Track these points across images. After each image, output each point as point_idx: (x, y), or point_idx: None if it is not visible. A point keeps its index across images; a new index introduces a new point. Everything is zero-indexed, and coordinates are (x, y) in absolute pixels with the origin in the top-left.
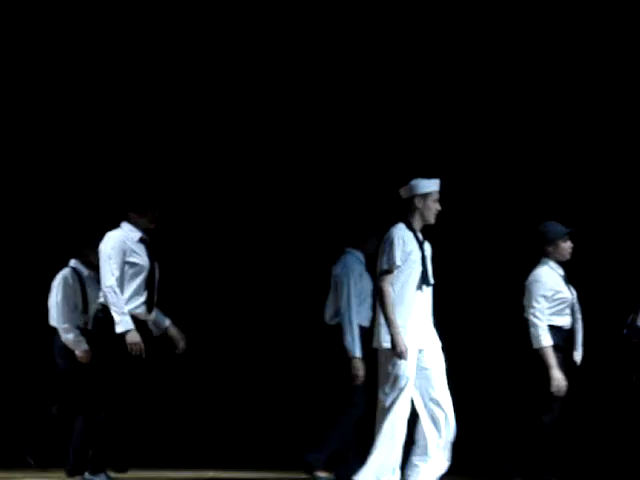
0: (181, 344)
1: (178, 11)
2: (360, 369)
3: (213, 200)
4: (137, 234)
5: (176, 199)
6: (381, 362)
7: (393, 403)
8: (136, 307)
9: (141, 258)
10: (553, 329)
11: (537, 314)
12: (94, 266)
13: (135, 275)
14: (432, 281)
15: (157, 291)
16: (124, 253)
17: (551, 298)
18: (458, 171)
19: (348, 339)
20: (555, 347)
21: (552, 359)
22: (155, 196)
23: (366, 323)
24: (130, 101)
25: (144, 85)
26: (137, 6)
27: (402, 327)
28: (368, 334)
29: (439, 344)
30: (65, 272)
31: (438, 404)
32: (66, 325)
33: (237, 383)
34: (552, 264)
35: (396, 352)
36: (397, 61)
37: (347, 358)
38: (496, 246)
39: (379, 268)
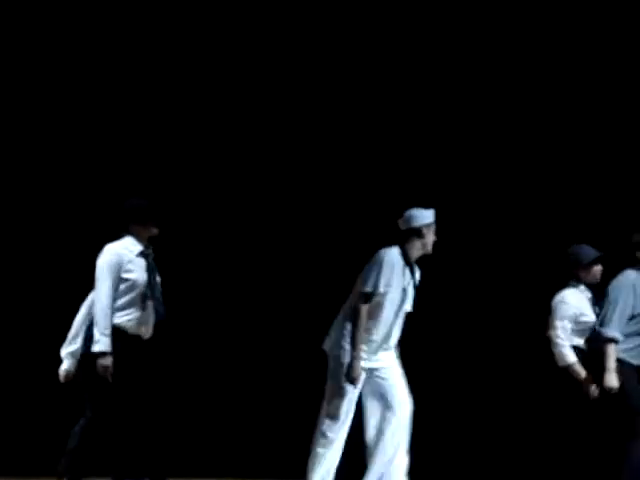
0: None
1: (179, 11)
2: None
3: (212, 203)
4: (137, 247)
5: (176, 204)
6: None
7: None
8: (129, 320)
9: (138, 273)
10: (574, 349)
11: (559, 333)
12: None
13: (130, 289)
14: (410, 309)
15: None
16: (120, 267)
17: (576, 320)
18: (486, 190)
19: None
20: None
21: (581, 371)
22: (156, 205)
23: None
24: (129, 110)
25: (146, 90)
26: (137, 6)
27: (363, 352)
28: None
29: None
30: None
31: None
32: None
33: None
34: (581, 287)
35: (350, 376)
36: (392, 74)
37: None
38: (519, 266)
39: (360, 287)
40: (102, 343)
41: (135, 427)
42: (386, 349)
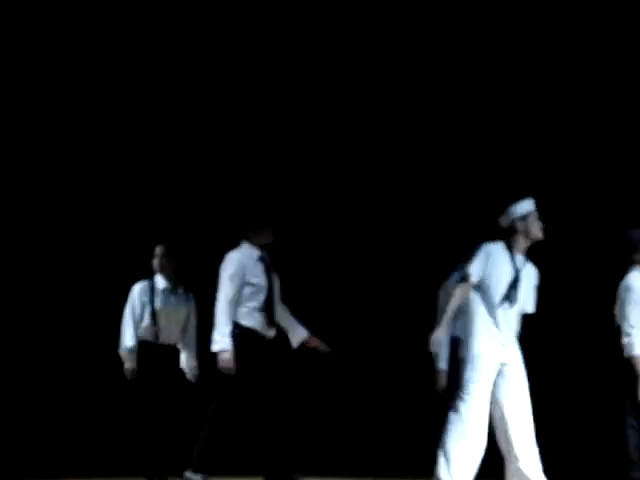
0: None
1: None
2: None
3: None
4: (256, 252)
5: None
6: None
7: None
8: (256, 324)
9: (260, 278)
10: None
11: (631, 322)
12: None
13: (255, 294)
14: (516, 302)
15: (276, 307)
16: (244, 274)
17: None
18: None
19: None
20: None
21: None
22: (271, 211)
23: None
24: (248, 121)
25: (245, 96)
26: (137, 6)
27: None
28: None
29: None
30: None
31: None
32: None
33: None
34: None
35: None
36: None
37: None
38: (583, 255)
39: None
40: (221, 342)
41: (261, 421)
42: (503, 344)
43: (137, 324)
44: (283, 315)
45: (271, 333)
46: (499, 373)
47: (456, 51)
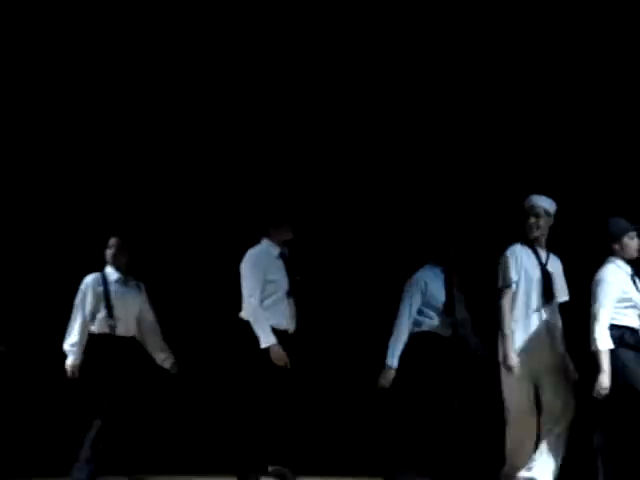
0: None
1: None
2: None
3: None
4: (276, 250)
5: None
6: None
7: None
8: (277, 321)
9: (280, 274)
10: (620, 329)
11: (602, 314)
12: None
13: (275, 290)
14: (552, 297)
15: (298, 303)
16: (265, 270)
17: (618, 298)
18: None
19: None
20: (625, 347)
21: (606, 364)
22: (290, 208)
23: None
24: (263, 118)
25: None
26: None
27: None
28: None
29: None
30: None
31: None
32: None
33: None
34: (619, 262)
35: (505, 364)
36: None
37: None
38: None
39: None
40: (266, 337)
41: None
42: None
43: (90, 316)
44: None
45: (291, 327)
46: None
47: (455, 49)
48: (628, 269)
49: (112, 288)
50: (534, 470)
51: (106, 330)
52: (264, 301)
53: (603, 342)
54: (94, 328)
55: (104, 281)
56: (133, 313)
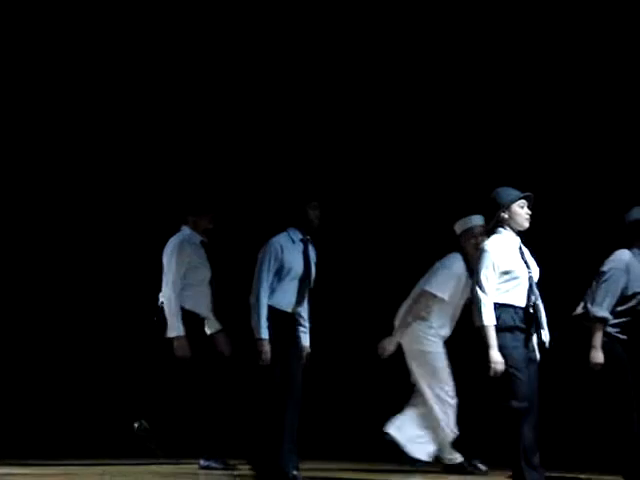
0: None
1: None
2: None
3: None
4: (197, 238)
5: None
6: None
7: None
8: (197, 308)
9: (201, 262)
10: (504, 307)
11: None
12: None
13: (197, 278)
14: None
15: (217, 292)
16: (185, 258)
17: (501, 272)
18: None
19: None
20: (508, 327)
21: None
22: (211, 197)
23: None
24: (190, 105)
25: (203, 83)
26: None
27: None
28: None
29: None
30: None
31: None
32: None
33: None
34: (506, 233)
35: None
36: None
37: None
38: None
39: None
40: (174, 327)
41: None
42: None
43: None
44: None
45: (211, 317)
46: None
47: (454, 47)
48: (515, 242)
49: None
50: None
51: None
52: (185, 288)
53: (488, 318)
54: None
55: None
56: None
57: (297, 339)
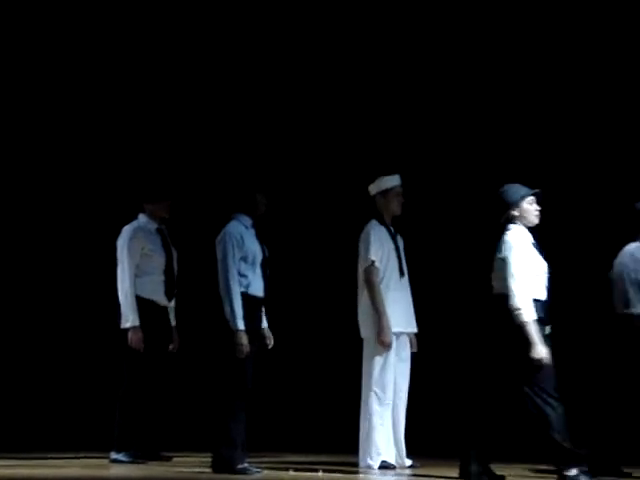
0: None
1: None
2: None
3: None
4: (153, 225)
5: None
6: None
7: None
8: (156, 296)
9: (157, 249)
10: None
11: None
12: None
13: (152, 265)
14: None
15: (176, 280)
16: (140, 245)
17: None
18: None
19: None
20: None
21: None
22: (168, 185)
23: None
24: (143, 93)
25: (157, 77)
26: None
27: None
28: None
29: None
30: None
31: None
32: None
33: None
34: (520, 228)
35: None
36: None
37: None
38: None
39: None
40: (130, 318)
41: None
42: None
43: None
44: None
45: (171, 305)
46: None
47: (460, 44)
48: (530, 237)
49: None
50: None
51: None
52: (140, 276)
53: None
54: None
55: None
56: None
57: (261, 325)
